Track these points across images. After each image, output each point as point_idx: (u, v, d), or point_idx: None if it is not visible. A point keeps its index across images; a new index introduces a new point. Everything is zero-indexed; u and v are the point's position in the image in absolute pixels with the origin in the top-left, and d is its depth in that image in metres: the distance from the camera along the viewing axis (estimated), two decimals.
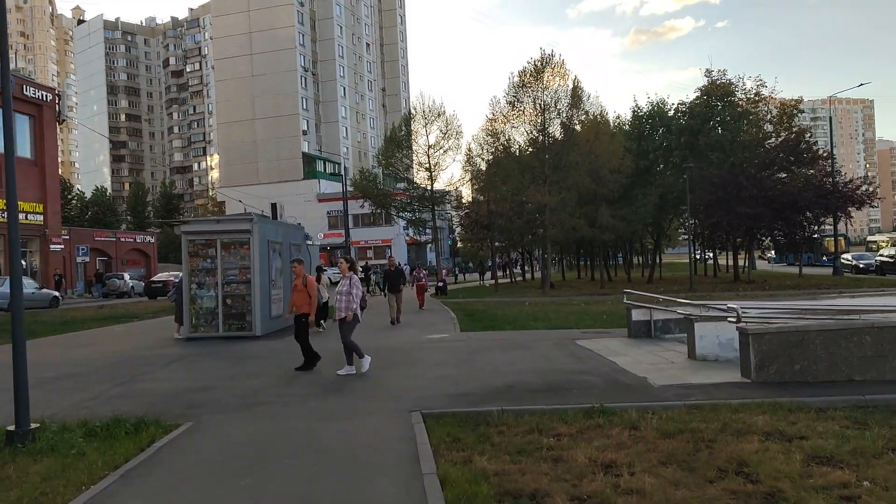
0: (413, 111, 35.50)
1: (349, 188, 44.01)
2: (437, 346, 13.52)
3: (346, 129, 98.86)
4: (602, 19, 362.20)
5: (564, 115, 30.89)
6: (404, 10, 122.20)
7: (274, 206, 20.19)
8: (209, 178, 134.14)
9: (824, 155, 32.97)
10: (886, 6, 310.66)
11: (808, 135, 33.02)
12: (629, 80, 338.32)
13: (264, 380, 10.35)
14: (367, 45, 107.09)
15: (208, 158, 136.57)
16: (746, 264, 34.77)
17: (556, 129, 31.94)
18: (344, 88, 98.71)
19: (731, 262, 46.31)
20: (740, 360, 8.84)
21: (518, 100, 30.83)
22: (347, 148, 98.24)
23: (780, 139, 33.80)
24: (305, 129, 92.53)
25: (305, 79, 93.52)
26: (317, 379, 10.29)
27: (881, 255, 40.62)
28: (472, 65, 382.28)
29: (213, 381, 10.39)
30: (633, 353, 11.49)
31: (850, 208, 33.04)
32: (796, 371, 8.55)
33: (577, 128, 31.48)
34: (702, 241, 33.51)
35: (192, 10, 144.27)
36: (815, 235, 33.34)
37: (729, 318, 8.99)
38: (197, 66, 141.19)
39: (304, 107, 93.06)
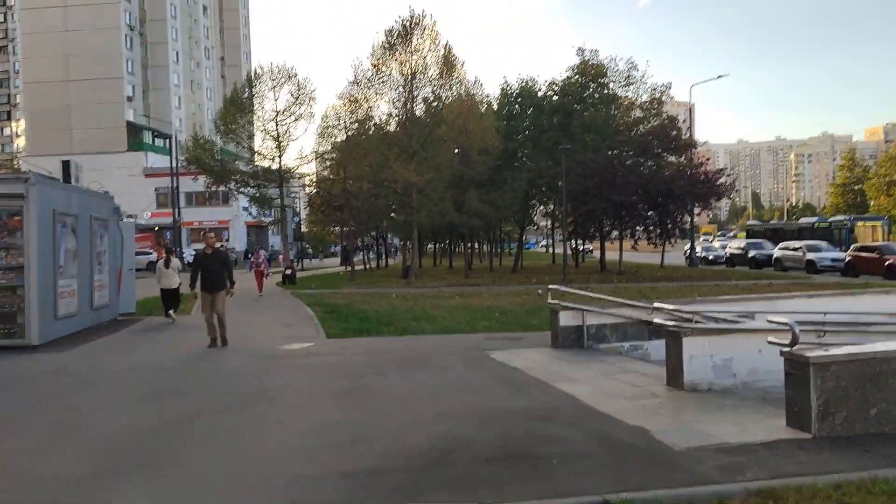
0: (259, 70, 30.55)
1: (182, 161, 37.99)
2: (300, 364, 9.58)
3: (179, 98, 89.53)
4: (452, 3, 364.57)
5: (435, 83, 27.46)
6: None
7: (66, 164, 14.92)
8: (14, 145, 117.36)
9: (694, 143, 32.40)
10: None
11: (678, 121, 32.30)
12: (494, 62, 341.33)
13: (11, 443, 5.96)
14: (205, 7, 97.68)
15: (13, 124, 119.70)
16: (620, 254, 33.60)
17: (425, 98, 28.44)
18: (177, 53, 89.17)
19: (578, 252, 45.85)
20: (788, 401, 5.86)
21: (384, 63, 27.00)
22: (181, 119, 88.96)
23: (650, 125, 32.79)
24: (131, 95, 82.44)
25: (131, 38, 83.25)
26: (103, 441, 6.05)
27: (731, 248, 41.45)
28: (322, 43, 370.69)
29: None
30: (581, 375, 8.32)
31: (712, 199, 32.77)
32: (872, 418, 5.70)
33: (448, 99, 28.20)
34: (574, 230, 31.80)
35: None
36: (687, 225, 32.78)
37: (770, 339, 5.95)
38: (1, 17, 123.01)
39: (130, 70, 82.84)
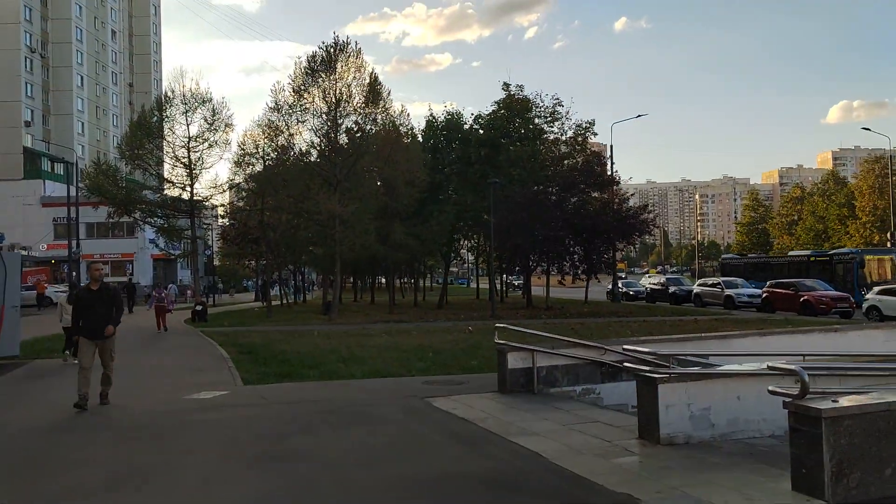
0: (170, 93, 28.65)
1: (82, 189, 35.23)
2: (211, 421, 8.16)
3: (83, 123, 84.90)
4: (366, 45, 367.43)
5: (360, 112, 26.43)
6: (158, 0, 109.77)
7: None
8: None
9: (617, 180, 32.69)
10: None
11: (603, 158, 32.55)
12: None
13: None
14: (113, 32, 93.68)
15: None
16: (546, 290, 33.18)
17: (349, 128, 27.32)
18: (81, 77, 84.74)
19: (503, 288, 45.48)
20: (795, 461, 5.06)
21: (306, 89, 25.79)
22: (83, 146, 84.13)
23: (574, 161, 32.90)
24: (29, 119, 77.46)
25: (31, 60, 78.57)
26: None
27: (651, 283, 42.02)
28: (235, 73, 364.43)
29: None
30: (540, 427, 7.35)
31: (635, 235, 33.02)
32: (887, 479, 4.97)
33: (374, 128, 27.21)
34: (500, 264, 31.23)
35: None
36: (612, 260, 32.75)
37: (773, 388, 5.14)
38: None
39: (29, 93, 78.01)
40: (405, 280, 50.89)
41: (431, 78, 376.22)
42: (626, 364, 7.55)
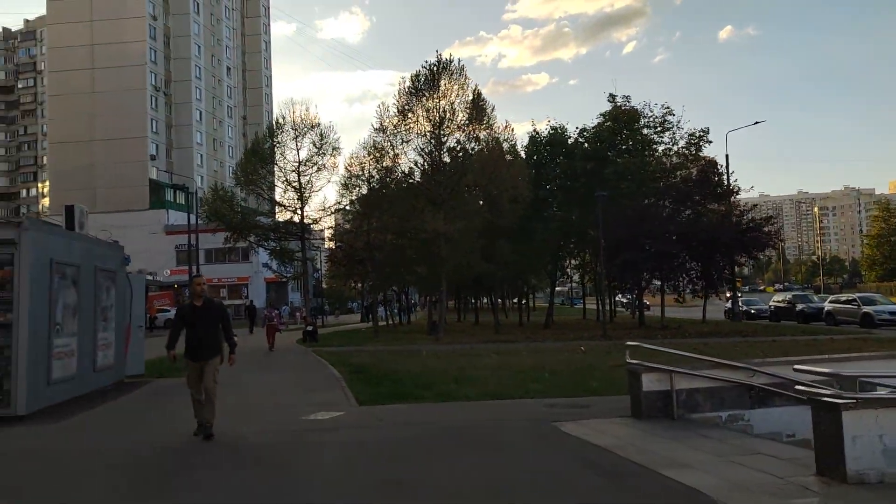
0: (281, 120, 29.57)
1: (202, 214, 36.98)
2: (332, 443, 7.80)
3: (202, 156, 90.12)
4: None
5: (464, 129, 26.20)
6: (269, 37, 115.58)
7: (70, 209, 13.59)
8: (39, 206, 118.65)
9: (736, 190, 30.77)
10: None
11: (719, 167, 30.77)
12: None
13: None
14: (228, 69, 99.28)
15: (39, 185, 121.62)
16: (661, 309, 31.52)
17: (453, 146, 27.13)
18: (200, 112, 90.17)
19: (608, 307, 43.63)
20: None
21: (410, 109, 25.87)
22: (202, 177, 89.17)
23: (687, 171, 31.23)
24: (154, 153, 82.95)
25: (156, 99, 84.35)
26: None
27: (776, 301, 39.22)
28: (339, 102, 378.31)
29: None
30: (691, 457, 6.49)
31: (756, 249, 30.85)
32: None
33: (477, 146, 26.87)
34: (609, 283, 29.96)
35: (28, 21, 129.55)
36: (732, 276, 30.71)
37: None
38: (31, 82, 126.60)
39: (154, 129, 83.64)
40: (509, 300, 50.04)
41: (528, 98, 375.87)
42: (799, 387, 6.57)
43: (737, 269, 30.92)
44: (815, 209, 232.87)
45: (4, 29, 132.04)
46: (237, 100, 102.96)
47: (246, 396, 11.99)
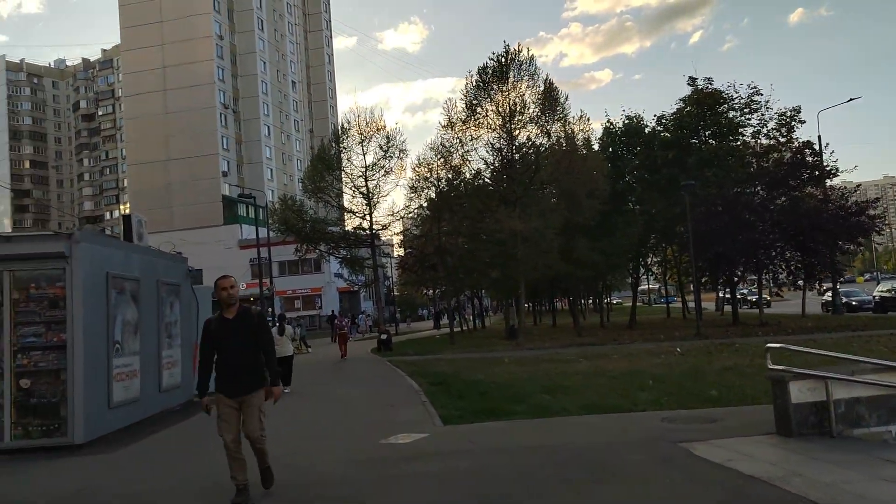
0: (346, 124, 28.86)
1: (273, 225, 36.75)
2: (418, 475, 6.57)
3: (272, 170, 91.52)
4: None
5: (536, 123, 24.75)
6: (332, 50, 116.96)
7: (127, 217, 12.96)
8: (121, 227, 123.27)
9: (835, 172, 28.09)
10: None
11: (814, 147, 28.11)
12: None
13: None
14: (293, 83, 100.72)
15: (121, 206, 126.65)
16: (760, 304, 29.13)
17: (523, 144, 25.67)
18: (268, 127, 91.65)
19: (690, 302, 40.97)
20: None
21: (478, 103, 24.62)
22: (273, 191, 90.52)
23: (779, 155, 28.73)
24: (226, 170, 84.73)
25: (225, 116, 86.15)
26: None
27: (881, 291, 35.92)
28: (401, 112, 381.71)
29: None
30: (882, 493, 4.96)
31: (861, 234, 28.08)
32: None
33: (551, 139, 25.35)
34: (696, 277, 27.75)
35: (104, 50, 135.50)
36: (833, 265, 27.98)
37: None
38: (110, 108, 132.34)
39: (225, 146, 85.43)
40: (587, 301, 48.03)
41: (592, 96, 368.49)
42: None
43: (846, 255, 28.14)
44: None
45: (84, 59, 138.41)
46: (303, 113, 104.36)
47: (316, 413, 10.97)
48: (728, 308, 36.28)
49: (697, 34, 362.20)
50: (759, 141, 29.40)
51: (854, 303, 37.86)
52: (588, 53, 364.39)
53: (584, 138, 28.65)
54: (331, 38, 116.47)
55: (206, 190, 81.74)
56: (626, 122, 32.83)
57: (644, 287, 79.44)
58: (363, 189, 28.25)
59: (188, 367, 13.26)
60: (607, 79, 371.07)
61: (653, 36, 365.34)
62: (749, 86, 29.50)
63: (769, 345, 7.40)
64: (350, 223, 30.61)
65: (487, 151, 25.56)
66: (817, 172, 27.21)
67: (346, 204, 29.90)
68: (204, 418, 11.23)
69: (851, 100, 32.23)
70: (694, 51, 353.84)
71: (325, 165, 28.45)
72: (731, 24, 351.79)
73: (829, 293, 37.37)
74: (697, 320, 25.09)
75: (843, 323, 26.70)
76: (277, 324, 15.72)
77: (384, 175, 28.38)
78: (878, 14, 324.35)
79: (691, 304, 43.63)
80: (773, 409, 7.29)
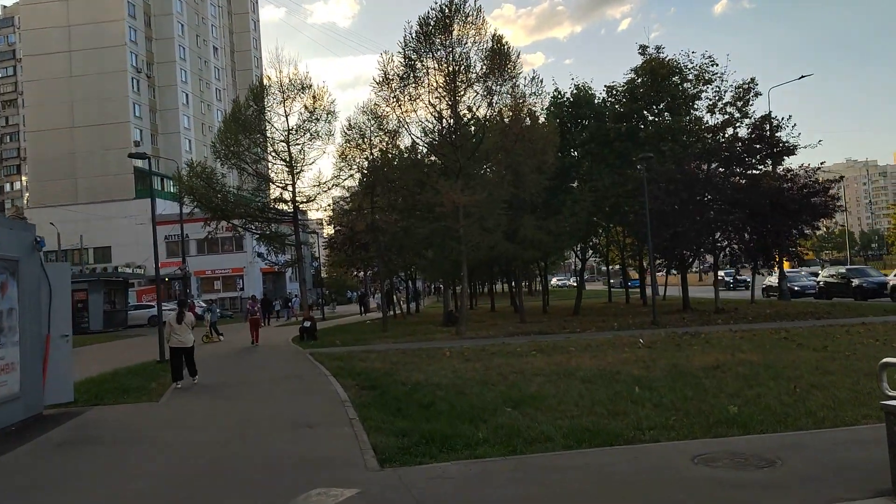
0: (266, 80, 25.27)
1: (178, 195, 32.75)
2: None
3: (190, 141, 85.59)
4: None
5: (482, 81, 21.85)
6: (258, 16, 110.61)
7: None
8: (24, 200, 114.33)
9: (794, 148, 26.45)
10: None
11: (773, 121, 26.43)
12: None
13: None
14: (215, 49, 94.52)
15: (23, 178, 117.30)
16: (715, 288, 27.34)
17: (469, 107, 22.72)
18: (187, 95, 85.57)
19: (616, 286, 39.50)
20: None
21: (418, 58, 21.53)
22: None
23: (735, 130, 26.98)
24: (138, 139, 78.44)
25: (138, 82, 79.74)
26: None
27: (826, 276, 35.09)
28: (332, 89, 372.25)
29: None
30: None
31: (821, 216, 26.63)
32: None
33: (500, 102, 22.51)
34: (652, 259, 25.71)
35: (5, 7, 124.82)
36: (786, 247, 26.39)
37: None
38: (10, 71, 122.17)
39: (137, 114, 79.16)
40: (529, 284, 45.95)
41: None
42: None
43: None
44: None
45: None
46: (226, 82, 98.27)
47: (188, 443, 7.86)
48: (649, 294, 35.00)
49: (626, 21, 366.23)
50: (714, 115, 27.53)
51: (797, 288, 37.03)
52: (521, 35, 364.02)
53: (533, 106, 25.97)
54: (256, 3, 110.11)
55: (116, 161, 75.45)
56: (575, 92, 30.41)
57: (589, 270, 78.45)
58: (285, 155, 24.79)
59: (34, 372, 9.91)
60: (539, 62, 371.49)
61: (584, 21, 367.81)
62: (703, 55, 27.61)
63: (885, 360, 4.83)
64: (271, 195, 27.11)
65: (430, 112, 22.50)
66: (775, 150, 25.47)
67: (265, 172, 26.32)
68: (42, 447, 7.93)
69: (803, 77, 30.73)
70: (623, 38, 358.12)
71: (240, 127, 24.78)
72: (657, 14, 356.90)
73: (770, 278, 36.42)
74: (653, 307, 22.96)
75: (802, 310, 25.23)
76: (177, 309, 13.57)
77: (310, 140, 25.00)
78: (801, 5, 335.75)
79: (628, 290, 41.98)
80: (889, 454, 4.74)
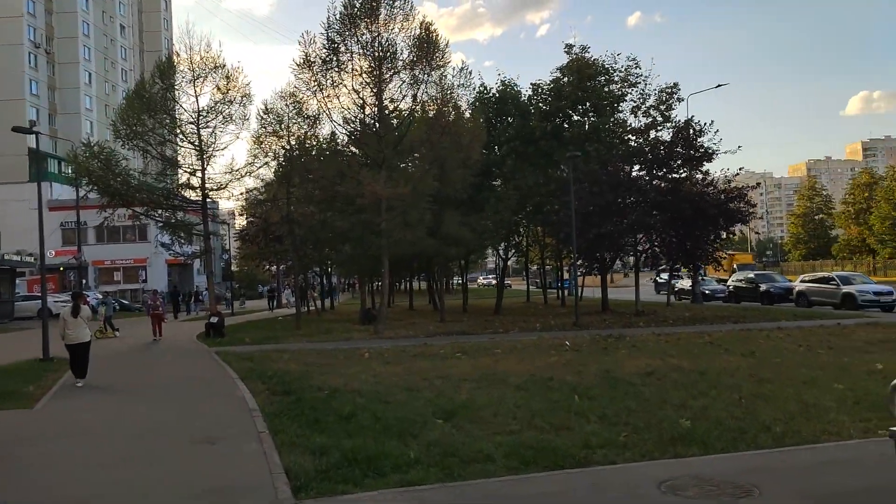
0: (175, 56, 23.37)
1: (72, 176, 30.14)
2: None
3: (92, 123, 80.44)
4: None
5: (409, 68, 20.85)
6: None
7: None
8: None
9: (713, 154, 26.82)
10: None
11: (695, 126, 26.71)
12: None
13: None
14: (122, 27, 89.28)
15: None
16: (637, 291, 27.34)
17: (397, 91, 21.66)
18: (89, 74, 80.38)
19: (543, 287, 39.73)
20: None
21: (342, 41, 20.30)
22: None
23: (660, 131, 27.17)
24: (34, 118, 72.83)
25: (36, 57, 74.19)
26: None
27: (735, 281, 36.12)
28: (248, 69, 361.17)
29: None
30: None
31: (738, 221, 27.15)
32: None
33: (427, 95, 21.58)
34: (574, 260, 25.54)
35: None
36: (707, 251, 26.77)
37: None
38: None
39: (34, 91, 73.69)
40: (448, 282, 45.24)
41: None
42: None
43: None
44: None
45: None
46: (133, 62, 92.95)
47: (63, 469, 6.56)
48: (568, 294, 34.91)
49: (545, 27, 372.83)
50: (638, 117, 27.66)
51: (707, 291, 38.03)
52: (442, 35, 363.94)
53: (460, 99, 25.16)
54: None
55: (8, 140, 69.72)
56: (502, 88, 29.89)
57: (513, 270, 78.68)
58: (194, 138, 22.98)
59: None
60: (458, 63, 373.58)
61: (504, 24, 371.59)
62: (628, 57, 27.71)
63: None
64: (178, 180, 25.16)
65: (353, 99, 21.28)
66: (697, 154, 25.73)
67: (170, 155, 24.36)
68: None
69: (720, 86, 31.50)
70: (541, 43, 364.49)
71: (144, 105, 22.74)
72: (575, 21, 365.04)
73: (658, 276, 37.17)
74: (576, 308, 22.69)
75: (717, 314, 25.66)
76: (72, 302, 12.39)
77: (222, 123, 23.29)
78: (711, 23, 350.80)
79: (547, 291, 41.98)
80: None
